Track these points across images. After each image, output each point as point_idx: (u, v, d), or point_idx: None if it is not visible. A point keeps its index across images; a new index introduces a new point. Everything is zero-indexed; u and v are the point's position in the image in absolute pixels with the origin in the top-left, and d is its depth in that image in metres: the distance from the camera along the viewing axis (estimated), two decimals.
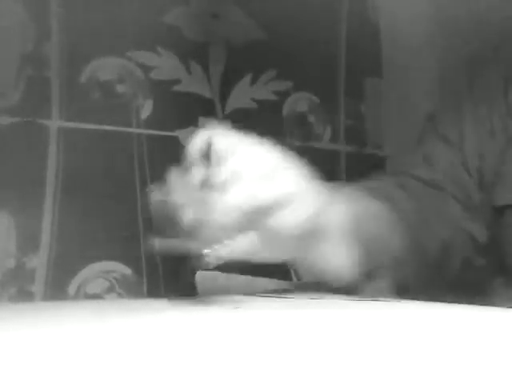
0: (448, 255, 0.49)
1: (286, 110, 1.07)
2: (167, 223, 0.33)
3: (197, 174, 0.36)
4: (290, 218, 0.36)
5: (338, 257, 0.39)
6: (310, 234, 0.38)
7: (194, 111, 0.99)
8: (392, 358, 0.20)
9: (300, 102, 1.08)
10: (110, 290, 0.90)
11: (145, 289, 0.92)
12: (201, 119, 1.00)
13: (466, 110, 0.54)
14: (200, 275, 0.78)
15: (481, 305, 0.35)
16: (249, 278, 0.76)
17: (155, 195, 0.36)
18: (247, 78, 1.03)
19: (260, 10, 1.05)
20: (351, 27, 1.14)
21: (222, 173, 0.36)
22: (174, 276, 0.94)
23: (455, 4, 1.01)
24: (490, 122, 0.52)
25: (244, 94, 1.03)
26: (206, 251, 0.29)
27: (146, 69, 0.96)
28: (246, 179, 0.36)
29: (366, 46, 1.15)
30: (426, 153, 0.54)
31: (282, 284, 0.74)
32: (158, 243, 0.31)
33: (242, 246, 0.34)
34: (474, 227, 0.50)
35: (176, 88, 0.98)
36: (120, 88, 0.94)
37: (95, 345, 0.24)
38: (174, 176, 0.37)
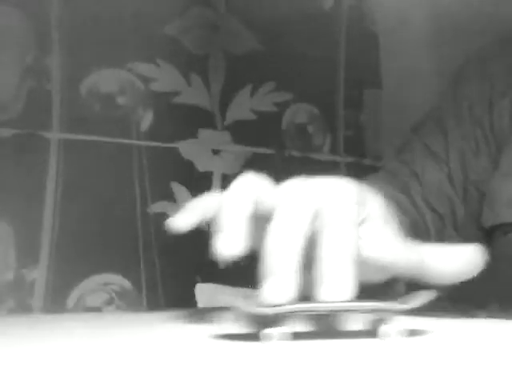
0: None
1: (285, 121, 1.07)
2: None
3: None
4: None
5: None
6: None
7: (194, 123, 1.00)
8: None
9: (299, 113, 1.09)
10: (110, 302, 0.90)
11: (144, 301, 0.92)
12: (201, 131, 1.00)
13: (451, 125, 0.54)
14: (200, 287, 0.78)
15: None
16: (250, 290, 0.76)
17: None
18: (247, 90, 1.04)
19: (259, 22, 1.05)
20: (350, 39, 1.14)
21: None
22: (173, 288, 0.94)
23: (455, 14, 1.02)
24: (475, 139, 0.52)
25: (244, 106, 1.03)
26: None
27: (146, 80, 0.96)
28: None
29: (365, 58, 1.15)
30: (412, 166, 0.54)
31: None
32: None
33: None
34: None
35: (176, 100, 0.98)
36: (120, 100, 0.94)
37: (94, 358, 0.24)
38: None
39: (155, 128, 0.96)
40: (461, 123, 0.53)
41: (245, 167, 1.02)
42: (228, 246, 0.30)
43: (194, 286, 0.80)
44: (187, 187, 0.97)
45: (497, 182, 0.50)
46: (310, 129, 1.10)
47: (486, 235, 0.50)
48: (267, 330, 0.25)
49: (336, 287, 0.27)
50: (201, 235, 1.07)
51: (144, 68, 0.96)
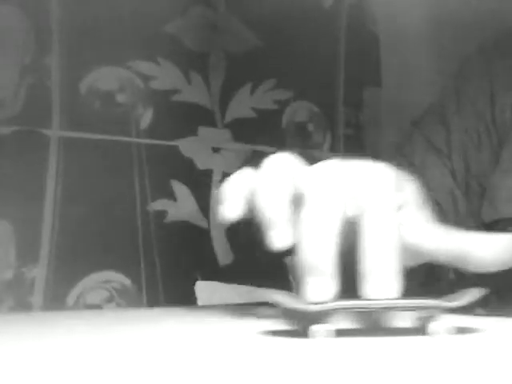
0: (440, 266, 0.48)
1: (285, 119, 1.07)
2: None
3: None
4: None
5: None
6: None
7: (194, 121, 1.00)
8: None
9: (300, 111, 1.09)
10: (110, 300, 0.90)
11: (144, 299, 0.92)
12: (201, 129, 1.00)
13: (453, 119, 0.54)
14: (200, 285, 0.78)
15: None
16: (250, 288, 0.75)
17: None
18: (247, 88, 1.04)
19: (259, 21, 1.05)
20: (350, 37, 1.14)
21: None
22: (173, 286, 0.94)
23: (455, 13, 1.02)
24: (476, 133, 0.52)
25: (244, 104, 1.03)
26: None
27: (146, 78, 0.96)
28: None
29: (365, 56, 1.15)
30: (413, 159, 0.54)
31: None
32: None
33: None
34: None
35: (176, 98, 0.98)
36: (120, 98, 0.94)
37: (95, 355, 0.24)
38: None
39: (155, 126, 0.96)
40: (463, 117, 0.53)
41: (245, 165, 1.02)
42: (280, 237, 0.29)
43: (194, 284, 0.80)
44: (187, 185, 0.97)
45: (497, 178, 0.50)
46: (310, 127, 1.10)
47: (486, 230, 0.50)
48: (312, 327, 0.25)
49: (382, 283, 0.26)
50: (200, 233, 1.08)
51: (144, 66, 0.96)
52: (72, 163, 0.90)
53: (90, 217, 0.89)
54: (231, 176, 0.35)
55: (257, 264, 1.05)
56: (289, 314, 0.27)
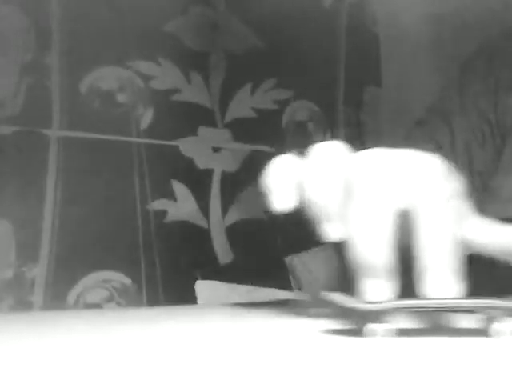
0: None
1: (285, 118, 1.07)
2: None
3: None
4: None
5: None
6: None
7: (194, 120, 1.00)
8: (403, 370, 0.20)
9: (300, 111, 1.09)
10: (110, 299, 0.90)
11: (144, 298, 0.92)
12: (201, 128, 1.00)
13: (456, 118, 0.54)
14: (199, 284, 0.78)
15: None
16: (250, 287, 0.76)
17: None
18: (247, 87, 1.04)
19: (259, 20, 1.05)
20: (350, 36, 1.14)
21: None
22: (173, 285, 0.94)
23: (456, 12, 1.02)
24: (480, 132, 0.52)
25: (244, 103, 1.03)
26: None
27: (146, 78, 0.96)
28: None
29: (365, 55, 1.15)
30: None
31: (283, 294, 0.73)
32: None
33: None
34: None
35: (176, 97, 0.98)
36: (120, 97, 0.94)
37: (95, 355, 0.24)
38: None
39: (155, 126, 0.96)
40: (466, 115, 0.53)
41: (245, 165, 1.02)
42: (334, 229, 0.27)
43: (194, 283, 0.80)
44: (187, 185, 0.97)
45: (499, 177, 0.50)
46: (310, 126, 1.10)
47: None
48: (369, 326, 0.24)
49: (442, 282, 0.25)
50: (200, 232, 1.08)
51: (144, 66, 0.96)
52: (72, 163, 0.90)
53: (90, 216, 0.89)
54: (274, 163, 0.32)
55: (256, 263, 1.05)
56: (345, 312, 0.26)
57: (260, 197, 0.32)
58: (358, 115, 1.15)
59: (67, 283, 0.87)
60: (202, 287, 0.76)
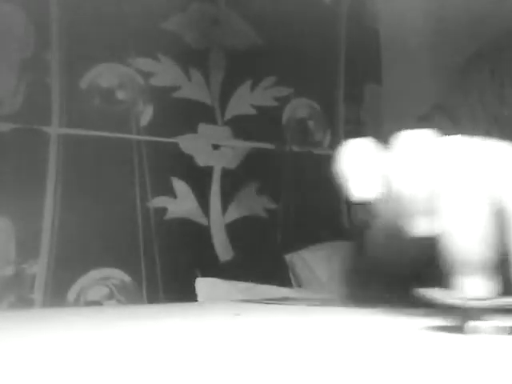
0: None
1: (285, 116, 1.07)
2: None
3: None
4: None
5: None
6: None
7: (194, 117, 1.00)
8: (389, 365, 0.20)
9: (300, 108, 1.08)
10: (110, 296, 0.90)
11: (144, 295, 0.92)
12: (201, 125, 1.00)
13: (461, 113, 0.54)
14: (199, 281, 0.78)
15: None
16: (249, 284, 0.76)
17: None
18: (247, 85, 1.04)
19: (260, 17, 1.05)
20: (351, 34, 1.14)
21: None
22: (173, 282, 0.94)
23: (457, 8, 1.01)
24: (486, 128, 0.52)
25: (244, 100, 1.03)
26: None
27: (146, 75, 0.96)
28: None
29: (365, 53, 1.15)
30: None
31: (283, 292, 0.73)
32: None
33: None
34: None
35: (176, 94, 0.98)
36: (120, 94, 0.94)
37: (95, 351, 0.24)
38: None
39: (155, 123, 0.96)
40: (471, 111, 0.53)
41: (245, 162, 1.02)
42: (425, 223, 0.26)
43: (194, 280, 0.80)
44: (187, 182, 0.97)
45: None
46: (311, 124, 1.09)
47: None
48: (470, 323, 0.24)
49: None
50: (200, 230, 1.07)
51: (144, 63, 0.96)
52: (72, 160, 0.90)
53: (90, 213, 0.89)
54: (353, 148, 0.30)
55: (256, 260, 1.05)
56: (445, 309, 0.26)
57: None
58: (359, 112, 1.15)
59: (67, 281, 0.87)
60: (202, 284, 0.76)
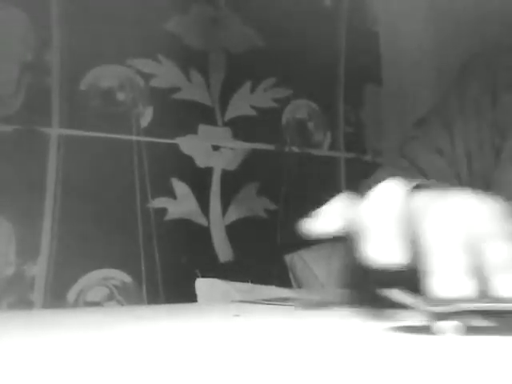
0: None
1: (285, 117, 1.07)
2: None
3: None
4: None
5: None
6: None
7: (194, 119, 1.00)
8: (390, 368, 0.20)
9: (300, 110, 1.09)
10: (110, 297, 0.90)
11: (144, 296, 0.92)
12: (201, 127, 1.00)
13: (457, 121, 0.54)
14: (199, 282, 0.78)
15: None
16: (249, 285, 0.76)
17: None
18: (247, 86, 1.04)
19: (260, 19, 1.05)
20: (351, 35, 1.14)
21: None
22: (173, 283, 0.94)
23: (456, 10, 1.02)
24: (479, 131, 0.52)
25: (244, 102, 1.03)
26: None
27: (146, 76, 0.96)
28: None
29: (365, 54, 1.15)
30: (411, 158, 0.54)
31: (283, 292, 0.73)
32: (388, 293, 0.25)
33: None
34: None
35: (176, 96, 0.98)
36: (120, 96, 0.94)
37: (95, 353, 0.24)
38: None
39: (155, 124, 0.96)
40: (465, 116, 0.53)
41: (245, 163, 1.02)
42: (388, 253, 0.28)
43: (194, 281, 0.80)
44: (187, 183, 0.97)
45: (497, 177, 0.50)
46: (310, 125, 1.10)
47: None
48: (438, 324, 0.25)
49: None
50: (200, 230, 1.07)
51: (144, 64, 0.96)
52: (72, 161, 0.90)
53: (90, 214, 0.89)
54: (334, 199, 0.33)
55: (256, 261, 1.05)
56: (412, 310, 0.27)
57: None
58: (359, 114, 1.15)
59: (67, 281, 0.87)
60: (202, 285, 0.77)
